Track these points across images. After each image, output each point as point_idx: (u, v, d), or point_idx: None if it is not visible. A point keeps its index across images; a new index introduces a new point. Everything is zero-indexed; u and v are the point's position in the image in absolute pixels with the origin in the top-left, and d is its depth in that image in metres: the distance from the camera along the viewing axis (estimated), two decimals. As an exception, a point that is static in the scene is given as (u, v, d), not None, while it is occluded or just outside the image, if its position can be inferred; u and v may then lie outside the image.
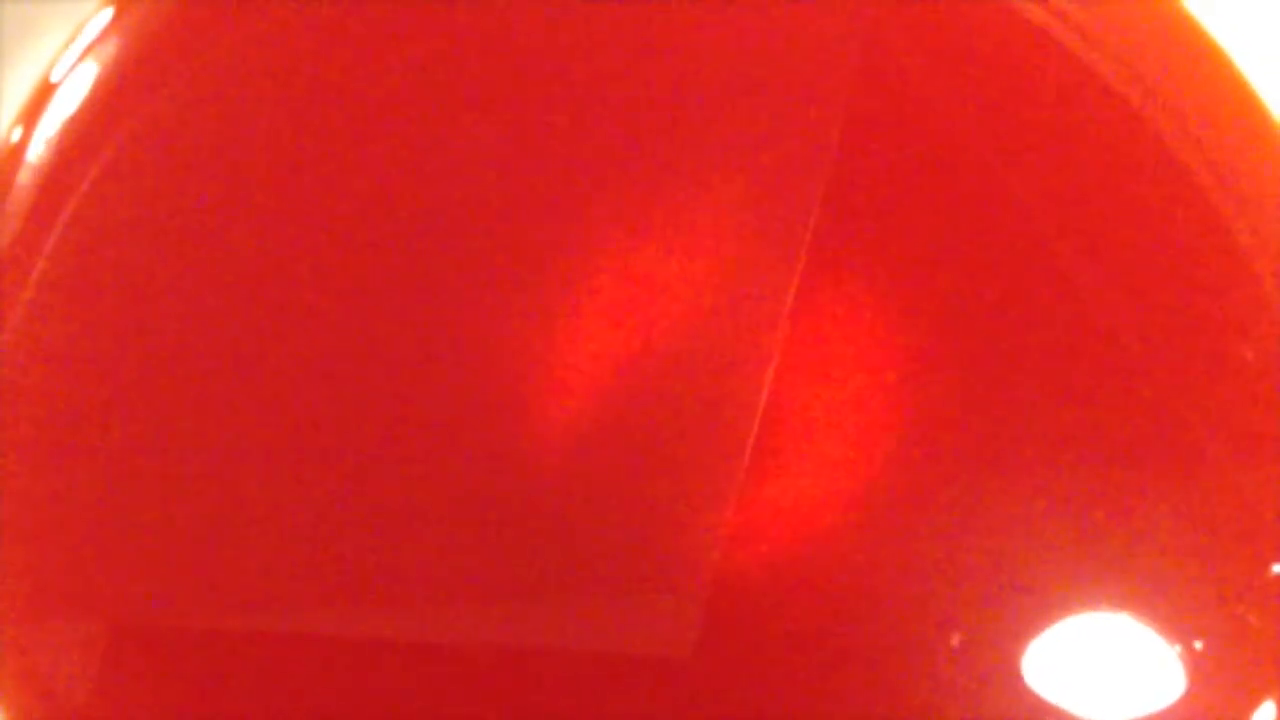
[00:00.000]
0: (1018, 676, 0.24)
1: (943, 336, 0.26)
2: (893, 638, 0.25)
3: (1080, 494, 0.25)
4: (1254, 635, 0.25)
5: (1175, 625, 0.25)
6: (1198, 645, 0.25)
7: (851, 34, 0.27)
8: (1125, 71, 0.28)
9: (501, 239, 0.26)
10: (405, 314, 0.26)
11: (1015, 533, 0.25)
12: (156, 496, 0.26)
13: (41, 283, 0.27)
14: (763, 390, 0.25)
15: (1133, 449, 0.25)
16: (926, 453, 0.25)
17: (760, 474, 0.25)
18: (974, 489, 0.25)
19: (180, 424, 0.26)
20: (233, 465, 0.26)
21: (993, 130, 0.27)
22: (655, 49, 0.27)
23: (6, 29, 0.29)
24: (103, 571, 0.26)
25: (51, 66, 0.29)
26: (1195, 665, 0.25)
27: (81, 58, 0.29)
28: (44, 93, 0.29)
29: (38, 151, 0.28)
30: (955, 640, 0.24)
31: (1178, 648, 0.25)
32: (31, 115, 0.29)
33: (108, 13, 0.29)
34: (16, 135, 0.28)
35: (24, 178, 0.28)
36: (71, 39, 0.29)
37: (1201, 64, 0.28)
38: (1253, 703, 0.25)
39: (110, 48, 0.29)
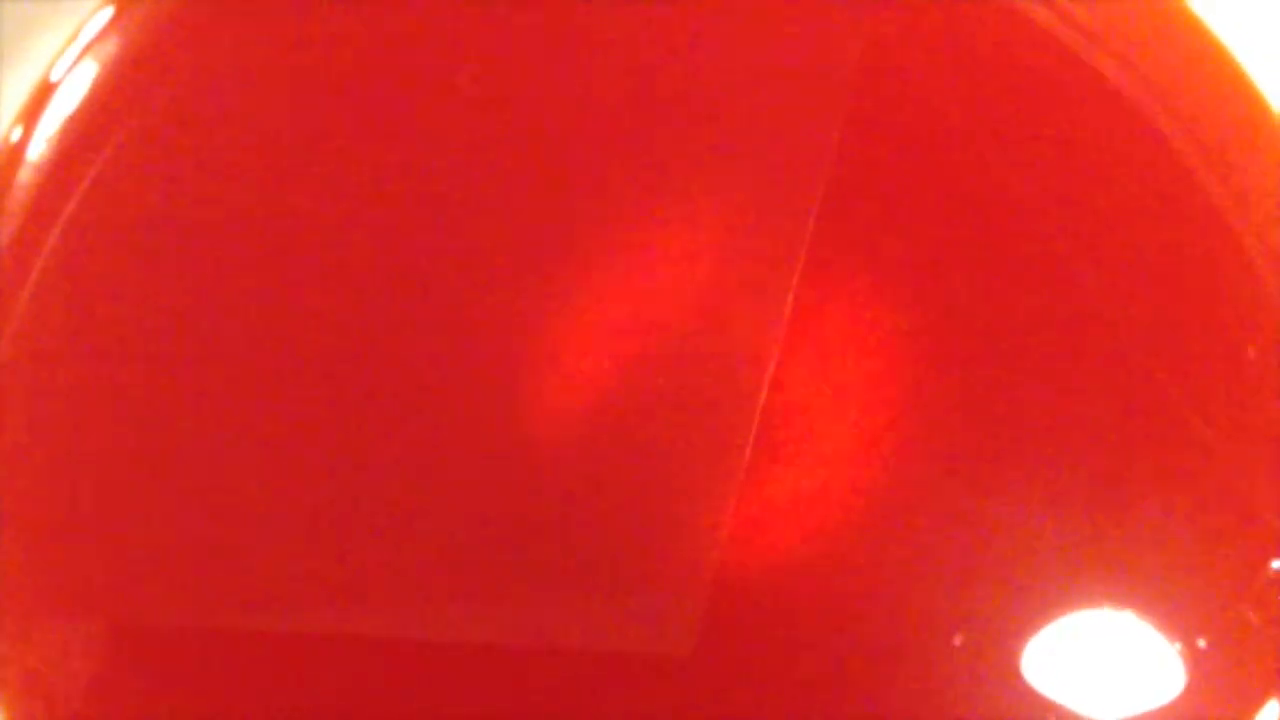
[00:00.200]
0: (1018, 675, 0.24)
1: (943, 336, 0.26)
2: (893, 637, 0.25)
3: (1081, 493, 0.25)
4: (1254, 633, 0.25)
5: (1175, 623, 0.25)
6: (1198, 643, 0.25)
7: (852, 34, 0.27)
8: (1127, 71, 0.28)
9: (502, 239, 0.26)
10: (405, 314, 0.26)
11: (1015, 532, 0.25)
12: (156, 496, 0.26)
13: (41, 283, 0.27)
14: (762, 389, 0.25)
15: (1133, 448, 0.25)
16: (927, 452, 0.25)
17: (760, 473, 0.25)
18: (974, 488, 0.25)
19: (180, 423, 0.26)
20: (232, 465, 0.26)
21: (993, 130, 0.27)
22: (655, 49, 0.27)
23: (6, 29, 0.29)
24: (103, 571, 0.26)
25: (51, 66, 0.29)
26: (1195, 663, 0.25)
27: (81, 57, 0.29)
28: (44, 92, 0.29)
29: (38, 151, 0.28)
30: (956, 639, 0.24)
31: (1178, 646, 0.25)
32: (31, 115, 0.29)
33: (108, 12, 0.29)
34: (16, 135, 0.28)
35: (24, 177, 0.28)
36: (71, 39, 0.29)
37: (1204, 63, 0.28)
38: (1253, 701, 0.25)
39: (110, 47, 0.29)
